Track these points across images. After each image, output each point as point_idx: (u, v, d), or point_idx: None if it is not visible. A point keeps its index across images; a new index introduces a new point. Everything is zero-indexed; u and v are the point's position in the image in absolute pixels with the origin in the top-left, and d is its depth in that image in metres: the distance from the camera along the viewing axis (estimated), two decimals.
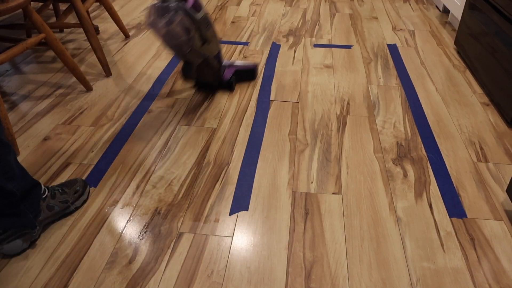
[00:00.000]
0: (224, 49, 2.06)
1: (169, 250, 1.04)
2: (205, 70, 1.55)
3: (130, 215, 1.15)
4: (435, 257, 1.02)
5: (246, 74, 1.75)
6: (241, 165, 1.31)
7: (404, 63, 1.91)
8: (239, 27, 2.30)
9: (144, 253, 1.04)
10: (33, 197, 1.04)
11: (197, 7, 1.38)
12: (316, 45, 2.08)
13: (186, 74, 1.51)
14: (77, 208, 1.16)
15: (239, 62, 1.76)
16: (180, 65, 1.92)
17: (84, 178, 1.28)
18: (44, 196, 1.08)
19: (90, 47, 2.12)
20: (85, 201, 1.18)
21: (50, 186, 1.13)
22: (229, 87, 1.67)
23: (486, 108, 1.58)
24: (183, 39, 1.37)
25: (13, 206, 1.00)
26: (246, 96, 1.67)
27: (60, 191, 1.13)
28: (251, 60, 1.94)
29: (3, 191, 0.96)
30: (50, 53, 2.06)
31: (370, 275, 0.98)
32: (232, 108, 1.60)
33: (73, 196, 1.14)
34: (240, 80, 1.75)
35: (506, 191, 1.11)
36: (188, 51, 1.41)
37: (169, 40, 1.38)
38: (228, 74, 1.68)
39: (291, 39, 2.15)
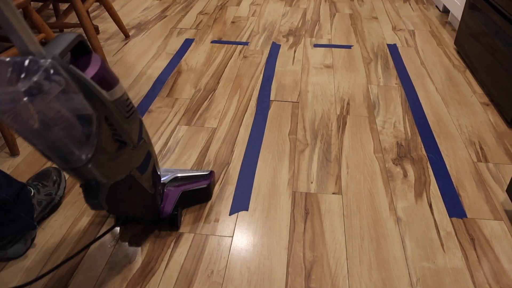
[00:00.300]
0: (224, 49, 2.06)
1: (169, 250, 1.04)
2: (130, 196, 0.92)
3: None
4: (435, 257, 1.02)
5: (198, 195, 1.15)
6: (241, 165, 1.31)
7: (404, 63, 1.91)
8: (239, 27, 2.30)
9: (144, 253, 1.04)
10: (24, 199, 1.04)
11: (106, 80, 0.75)
12: (316, 45, 2.08)
13: (89, 200, 0.78)
14: (61, 198, 1.16)
15: (184, 171, 1.13)
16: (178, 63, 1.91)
17: None
18: (32, 194, 1.08)
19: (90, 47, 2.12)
20: (65, 187, 1.18)
21: (29, 183, 1.13)
22: (171, 224, 1.07)
23: (486, 108, 1.58)
24: (74, 135, 0.69)
25: (8, 213, 0.99)
26: (246, 96, 1.67)
27: (41, 185, 1.12)
28: (252, 61, 1.94)
29: None
30: None
31: (370, 275, 0.98)
32: (232, 108, 1.60)
33: (53, 187, 1.15)
34: (190, 204, 1.16)
35: (506, 191, 1.11)
36: (86, 162, 0.72)
37: (38, 134, 0.66)
38: (169, 203, 1.05)
39: (291, 39, 2.15)
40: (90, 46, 0.78)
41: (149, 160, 0.91)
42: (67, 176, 1.21)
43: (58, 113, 0.65)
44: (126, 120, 0.79)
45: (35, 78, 0.60)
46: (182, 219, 1.10)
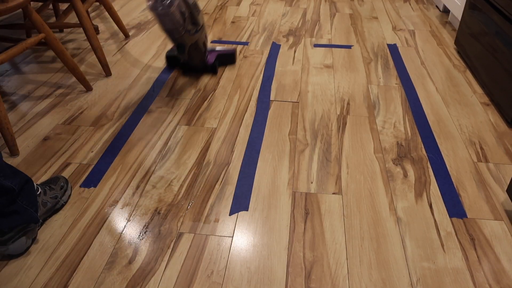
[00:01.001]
0: (222, 48, 2.06)
1: (169, 250, 1.04)
2: (193, 53, 1.69)
3: (130, 215, 1.15)
4: (435, 257, 1.02)
5: (227, 58, 1.89)
6: (241, 165, 1.31)
7: (404, 63, 1.91)
8: (239, 27, 2.30)
9: (144, 253, 1.04)
10: (29, 192, 1.05)
11: None
12: (316, 45, 2.08)
13: (180, 53, 1.64)
14: (64, 203, 1.18)
15: (219, 47, 1.91)
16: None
17: (84, 178, 1.28)
18: (38, 193, 1.09)
19: (90, 47, 2.12)
20: (70, 196, 1.21)
21: (38, 184, 1.15)
22: (212, 70, 1.80)
23: (486, 108, 1.58)
24: (179, 21, 1.48)
25: (12, 203, 1.00)
26: (246, 96, 1.67)
27: (48, 187, 1.15)
28: (252, 60, 1.94)
29: (2, 188, 0.97)
30: (50, 53, 2.06)
31: (370, 275, 0.98)
32: (232, 108, 1.60)
33: (60, 192, 1.17)
34: (222, 64, 1.89)
35: (506, 191, 1.11)
36: (183, 33, 1.53)
37: (167, 22, 1.47)
38: (211, 58, 1.81)
39: (291, 39, 2.15)
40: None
41: (204, 37, 1.71)
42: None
43: (175, 11, 1.45)
44: (197, 12, 1.59)
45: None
46: (219, 71, 1.83)
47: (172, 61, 1.87)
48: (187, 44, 1.61)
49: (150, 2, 1.43)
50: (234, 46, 2.06)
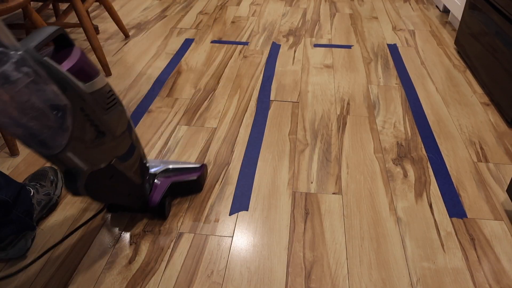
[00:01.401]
0: (224, 49, 2.06)
1: (169, 250, 1.04)
2: (114, 185, 0.93)
3: (130, 215, 1.14)
4: (435, 257, 1.02)
5: (187, 186, 1.17)
6: (241, 165, 1.31)
7: (404, 63, 1.91)
8: (239, 27, 2.30)
9: (144, 253, 1.04)
10: (23, 200, 1.03)
11: (84, 72, 0.77)
12: (316, 45, 2.08)
13: (68, 186, 0.83)
14: (58, 197, 1.17)
15: (176, 163, 1.15)
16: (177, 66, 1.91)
17: None
18: (32, 195, 1.08)
19: (90, 47, 2.12)
20: (62, 187, 1.19)
21: (27, 183, 1.13)
22: (159, 213, 1.10)
23: (486, 108, 1.58)
24: (46, 122, 0.71)
25: (7, 214, 0.99)
26: (246, 96, 1.67)
27: (39, 185, 1.13)
28: (252, 60, 1.94)
29: None
30: None
31: (370, 275, 0.98)
32: (232, 108, 1.60)
33: (51, 187, 1.15)
34: (180, 194, 1.19)
35: (507, 191, 1.11)
36: (63, 148, 0.76)
37: (11, 120, 0.69)
38: (158, 193, 1.07)
39: (291, 39, 2.15)
40: (71, 40, 0.78)
41: (132, 152, 0.93)
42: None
43: (28, 102, 0.67)
44: (105, 111, 0.82)
45: (2, 69, 0.62)
46: (170, 208, 1.14)
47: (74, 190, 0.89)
48: (83, 168, 0.82)
49: None
50: (200, 164, 1.20)
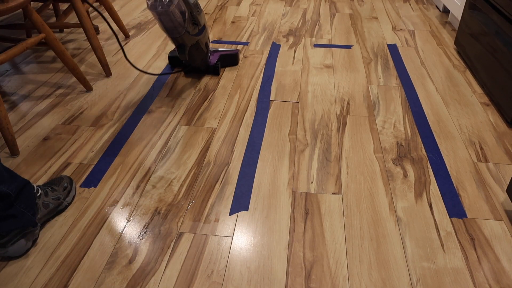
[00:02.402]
0: (224, 49, 2.06)
1: (169, 250, 1.04)
2: (194, 54, 1.67)
3: (130, 215, 1.15)
4: (435, 257, 1.02)
5: (230, 59, 1.88)
6: (241, 165, 1.31)
7: (404, 63, 1.91)
8: (239, 27, 2.30)
9: (144, 253, 1.04)
10: (27, 195, 1.04)
11: None
12: (316, 45, 2.08)
13: (180, 54, 1.59)
14: (69, 204, 1.18)
15: (222, 48, 1.91)
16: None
17: (84, 178, 1.28)
18: (38, 195, 1.09)
19: (90, 47, 2.12)
20: (74, 196, 1.20)
21: (40, 185, 1.14)
22: (214, 71, 1.80)
23: (486, 108, 1.58)
24: (179, 21, 1.47)
25: (9, 207, 1.00)
26: (246, 96, 1.67)
27: (50, 189, 1.14)
28: (252, 60, 1.94)
29: None
30: (50, 53, 2.06)
31: (370, 275, 0.98)
32: (232, 108, 1.60)
33: (63, 193, 1.16)
34: (224, 65, 1.87)
35: (506, 191, 1.11)
36: (183, 33, 1.52)
37: (166, 22, 1.47)
38: (213, 59, 1.82)
39: (291, 39, 2.15)
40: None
41: (206, 36, 1.71)
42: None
43: (175, 11, 1.44)
44: (198, 12, 1.57)
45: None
46: (219, 72, 1.82)
47: (174, 62, 1.88)
48: (188, 44, 1.59)
49: (150, 1, 1.42)
50: (237, 47, 2.04)
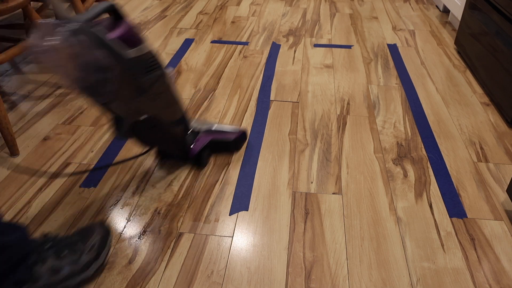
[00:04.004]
0: (224, 49, 2.06)
1: (169, 250, 1.04)
2: (157, 134, 1.13)
3: (130, 215, 1.15)
4: (435, 257, 1.02)
5: (225, 145, 1.32)
6: (241, 165, 1.31)
7: (404, 63, 1.91)
8: (239, 27, 2.30)
9: (144, 253, 1.04)
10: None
11: (129, 40, 0.91)
12: (316, 45, 2.08)
13: (116, 131, 1.03)
14: (101, 265, 0.97)
15: (220, 126, 1.32)
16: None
17: (84, 178, 1.27)
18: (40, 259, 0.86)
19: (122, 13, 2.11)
20: (107, 255, 0.98)
21: (53, 238, 0.90)
22: (197, 162, 1.27)
23: (486, 108, 1.58)
24: (91, 75, 0.88)
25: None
26: (246, 96, 1.67)
27: (69, 249, 0.89)
28: (252, 60, 1.94)
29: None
30: None
31: (370, 275, 0.98)
32: (232, 108, 1.60)
33: (87, 254, 0.91)
34: (218, 150, 1.35)
35: (507, 191, 1.11)
36: (107, 100, 0.94)
37: (57, 69, 0.88)
38: (198, 145, 1.25)
39: (291, 39, 2.15)
40: (122, 13, 0.93)
41: (171, 110, 1.10)
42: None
43: (83, 61, 0.84)
44: (145, 74, 0.96)
45: (63, 35, 0.81)
46: (208, 160, 1.31)
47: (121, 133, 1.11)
48: (127, 117, 1.00)
49: (32, 42, 0.84)
50: (241, 129, 1.36)
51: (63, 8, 0.86)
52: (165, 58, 1.98)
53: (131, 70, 0.92)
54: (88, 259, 0.91)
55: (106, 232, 0.98)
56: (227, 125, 1.34)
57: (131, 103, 0.97)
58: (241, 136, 1.34)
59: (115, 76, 0.89)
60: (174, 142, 1.19)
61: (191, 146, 1.23)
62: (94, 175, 1.28)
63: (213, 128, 1.30)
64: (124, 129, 1.00)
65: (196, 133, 1.26)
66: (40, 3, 2.68)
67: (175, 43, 2.12)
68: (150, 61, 0.96)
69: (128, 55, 0.90)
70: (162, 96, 1.03)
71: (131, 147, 1.40)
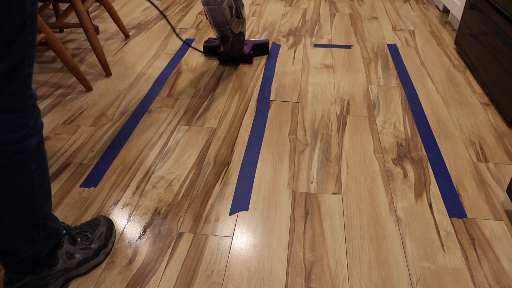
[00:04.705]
0: (255, 39, 2.06)
1: (169, 250, 1.04)
2: (234, 44, 1.79)
3: (130, 215, 1.15)
4: (435, 257, 1.02)
5: (261, 48, 1.96)
6: (241, 165, 1.31)
7: (404, 63, 1.91)
8: None
9: (144, 253, 1.04)
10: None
11: None
12: (316, 45, 2.08)
13: (224, 45, 1.69)
14: (107, 254, 1.03)
15: (253, 38, 2.04)
16: (178, 67, 1.92)
17: (84, 178, 1.27)
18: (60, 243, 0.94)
19: (90, 47, 2.12)
20: (113, 243, 1.06)
21: (70, 228, 0.98)
22: (248, 59, 1.90)
23: (486, 108, 1.58)
24: (228, 15, 1.56)
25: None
26: (246, 96, 1.67)
27: (82, 236, 0.99)
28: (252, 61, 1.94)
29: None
30: (50, 53, 2.06)
31: (370, 275, 0.98)
32: (232, 108, 1.60)
33: (97, 241, 1.00)
34: (256, 54, 1.97)
35: (506, 191, 1.11)
36: (229, 26, 1.61)
37: (217, 16, 1.55)
38: (247, 48, 1.92)
39: (291, 39, 2.15)
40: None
41: (245, 29, 1.83)
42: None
43: (226, 6, 1.52)
44: (242, 7, 1.69)
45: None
46: (253, 60, 1.92)
47: (209, 51, 1.95)
48: (230, 36, 1.68)
49: None
50: (267, 38, 2.14)
51: None
52: (165, 58, 1.98)
53: (239, 5, 1.65)
54: (97, 246, 0.99)
55: (110, 222, 1.07)
56: (254, 38, 2.11)
57: (235, 27, 1.67)
58: (268, 42, 1.98)
59: (234, 11, 1.60)
60: (240, 48, 1.85)
61: (243, 50, 1.91)
62: (94, 175, 1.28)
63: (251, 39, 2.01)
64: (229, 42, 1.69)
65: (243, 41, 1.90)
66: (40, 3, 2.67)
67: (175, 43, 2.12)
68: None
69: None
70: (244, 20, 1.77)
71: (130, 148, 1.40)
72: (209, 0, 1.51)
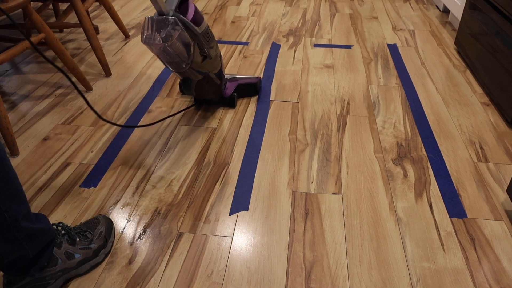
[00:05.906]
0: (224, 49, 2.06)
1: (169, 250, 1.04)
2: (205, 86, 1.46)
3: (130, 215, 1.15)
4: (435, 257, 1.02)
5: (249, 89, 1.66)
6: (241, 165, 1.31)
7: (404, 63, 1.91)
8: (239, 27, 2.30)
9: (144, 253, 1.04)
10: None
11: (197, 20, 1.26)
12: (316, 45, 2.08)
13: (185, 90, 1.35)
14: (107, 254, 1.03)
15: (240, 76, 1.66)
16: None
17: (84, 178, 1.27)
18: (57, 242, 0.94)
19: (90, 47, 2.12)
20: (113, 243, 1.06)
21: (69, 227, 0.98)
22: (230, 103, 1.58)
23: (486, 108, 1.58)
24: (182, 55, 1.22)
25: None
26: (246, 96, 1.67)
27: (81, 236, 0.98)
28: (252, 61, 1.94)
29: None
30: (50, 53, 2.06)
31: (370, 275, 0.98)
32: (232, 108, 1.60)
33: (96, 241, 1.00)
34: (242, 95, 1.66)
35: (507, 191, 1.11)
36: (187, 68, 1.27)
37: (166, 56, 1.22)
38: (230, 89, 1.60)
39: (291, 39, 2.15)
40: None
41: (219, 67, 1.47)
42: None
43: (175, 46, 1.18)
44: (207, 42, 1.32)
45: (167, 31, 1.16)
46: (236, 102, 1.62)
47: (181, 89, 1.68)
48: (194, 79, 1.36)
49: (144, 35, 1.17)
50: (257, 75, 1.76)
51: (160, 3, 1.14)
52: None
53: (201, 42, 1.28)
54: (97, 246, 0.99)
55: (109, 222, 1.07)
56: (244, 75, 1.68)
57: (198, 68, 1.33)
58: (259, 81, 1.67)
59: (193, 49, 1.25)
60: (216, 90, 1.53)
61: (224, 91, 1.59)
62: (94, 175, 1.28)
63: (237, 76, 1.65)
64: (192, 86, 1.36)
65: (226, 80, 1.61)
66: (40, 3, 2.68)
67: None
68: (208, 32, 1.33)
69: (199, 31, 1.26)
70: (216, 57, 1.42)
71: (130, 148, 1.40)
72: (150, 36, 1.16)
